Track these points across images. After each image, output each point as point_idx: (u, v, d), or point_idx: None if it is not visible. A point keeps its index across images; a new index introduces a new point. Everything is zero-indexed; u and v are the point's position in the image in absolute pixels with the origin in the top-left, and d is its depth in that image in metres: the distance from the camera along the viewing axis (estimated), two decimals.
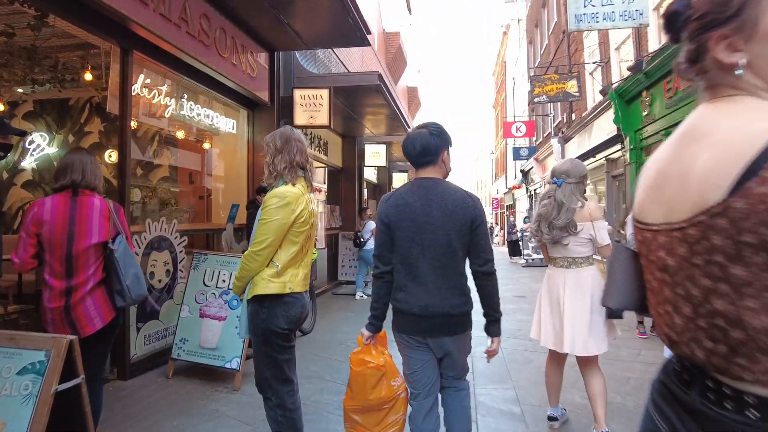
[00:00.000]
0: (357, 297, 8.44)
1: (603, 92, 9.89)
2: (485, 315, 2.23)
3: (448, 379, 2.29)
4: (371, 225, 8.45)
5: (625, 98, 9.18)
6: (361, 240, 8.40)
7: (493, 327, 2.22)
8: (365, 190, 12.91)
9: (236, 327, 4.02)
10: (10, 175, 7.27)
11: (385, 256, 2.21)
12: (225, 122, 5.89)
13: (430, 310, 2.09)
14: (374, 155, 10.69)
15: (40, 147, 7.12)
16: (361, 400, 2.37)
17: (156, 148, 6.72)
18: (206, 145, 6.33)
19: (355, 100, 7.55)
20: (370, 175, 13.19)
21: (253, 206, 5.50)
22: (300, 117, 6.32)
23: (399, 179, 15.12)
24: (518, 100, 23.92)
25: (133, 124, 4.69)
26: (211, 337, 4.09)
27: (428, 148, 2.17)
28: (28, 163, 7.15)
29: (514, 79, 25.62)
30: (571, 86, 11.47)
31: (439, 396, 2.29)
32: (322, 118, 6.29)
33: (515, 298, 8.72)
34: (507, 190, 31.27)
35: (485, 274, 2.15)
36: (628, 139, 9.28)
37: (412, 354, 2.22)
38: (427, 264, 2.09)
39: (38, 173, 7.16)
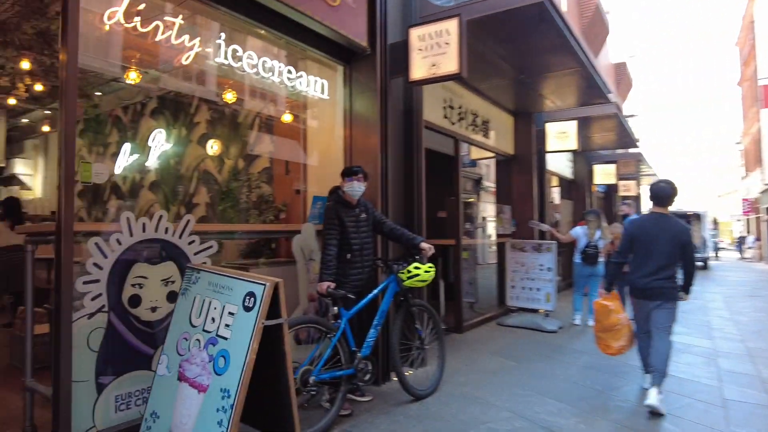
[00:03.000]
0: (575, 322, 6.70)
1: None
2: (684, 283, 3.78)
3: (656, 328, 3.72)
4: (578, 231, 6.65)
5: None
6: (595, 252, 6.41)
7: (687, 289, 3.78)
8: (552, 188, 10.01)
9: (219, 409, 2.15)
10: (140, 177, 6.93)
11: (626, 256, 3.90)
12: (314, 85, 4.18)
13: (649, 285, 3.70)
14: (560, 137, 7.88)
15: (162, 144, 6.55)
16: (601, 324, 3.96)
17: (256, 134, 5.43)
18: (297, 121, 4.72)
19: (513, 45, 5.11)
20: (559, 166, 10.20)
21: (337, 197, 3.64)
22: (418, 67, 4.24)
23: (605, 173, 11.63)
24: None
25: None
26: (185, 420, 2.29)
27: (671, 196, 3.83)
28: (152, 163, 6.65)
29: None
30: None
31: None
32: (449, 62, 4.09)
33: None
34: (766, 187, 23.32)
35: (688, 272, 3.78)
36: None
37: (638, 309, 3.90)
38: (653, 262, 3.71)
39: (160, 173, 6.62)
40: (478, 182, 10.00)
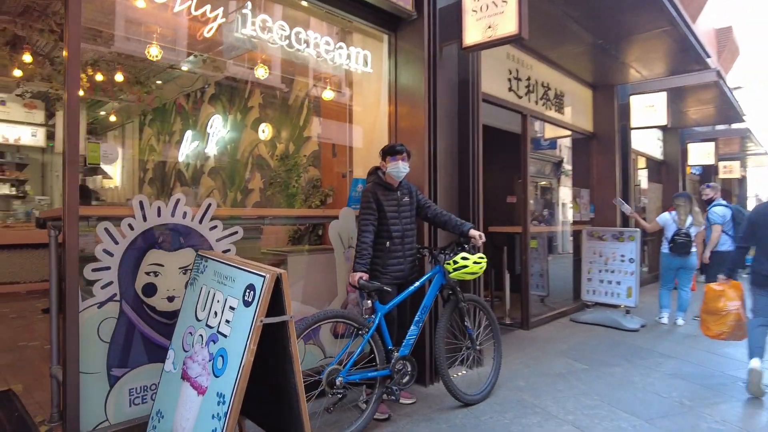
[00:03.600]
0: (662, 320, 5.83)
1: None
2: None
3: None
4: (665, 218, 5.81)
5: None
6: (687, 240, 5.57)
7: None
8: (638, 170, 8.97)
9: (215, 415, 1.90)
10: (200, 163, 7.01)
11: (749, 242, 3.80)
12: (359, 58, 3.84)
13: None
14: (647, 110, 6.92)
15: (219, 130, 6.56)
16: (707, 306, 3.95)
17: (305, 116, 5.21)
18: (342, 99, 4.40)
19: (588, 3, 4.41)
20: (646, 145, 9.10)
21: (377, 178, 3.29)
22: (472, 31, 3.74)
23: (702, 153, 10.24)
24: None
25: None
26: (185, 424, 2.07)
27: None
28: (211, 149, 6.69)
29: None
30: None
31: None
32: (507, 22, 3.55)
33: None
34: None
35: None
36: None
37: (758, 297, 3.67)
38: None
39: (218, 159, 6.63)
40: (558, 165, 9.22)
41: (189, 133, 7.24)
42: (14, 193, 8.80)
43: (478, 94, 4.16)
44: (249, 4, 3.16)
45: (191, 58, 5.42)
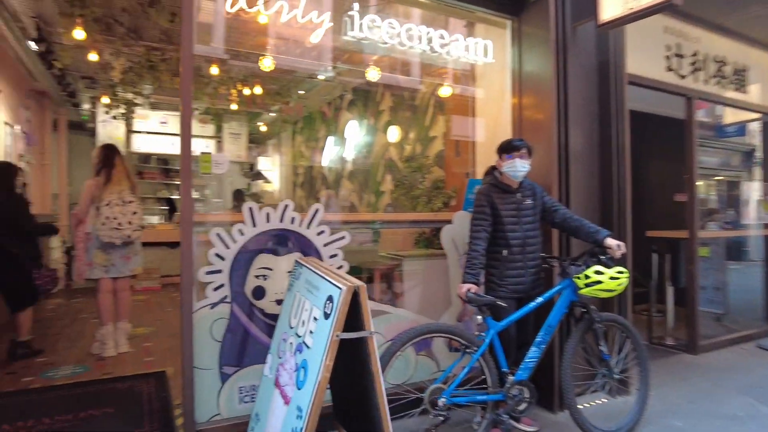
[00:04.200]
0: None
1: None
2: None
3: None
4: None
5: None
6: None
7: None
8: None
9: (294, 429, 1.87)
10: (341, 167, 7.31)
11: None
12: (480, 49, 3.56)
13: None
14: None
15: (355, 134, 6.77)
16: None
17: (431, 115, 5.07)
18: (465, 94, 4.13)
19: None
20: None
21: (493, 179, 3.01)
22: (610, 4, 3.18)
23: None
24: None
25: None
26: None
27: None
28: (349, 153, 6.95)
29: None
30: None
31: None
32: None
33: None
34: None
35: None
36: None
37: None
38: None
39: (355, 162, 6.85)
40: (749, 155, 7.59)
41: (331, 139, 7.63)
42: (197, 197, 10.32)
43: (622, 77, 3.53)
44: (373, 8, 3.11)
45: (329, 67, 5.66)
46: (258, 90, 6.24)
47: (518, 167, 2.85)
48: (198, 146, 9.53)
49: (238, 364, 2.65)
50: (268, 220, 2.71)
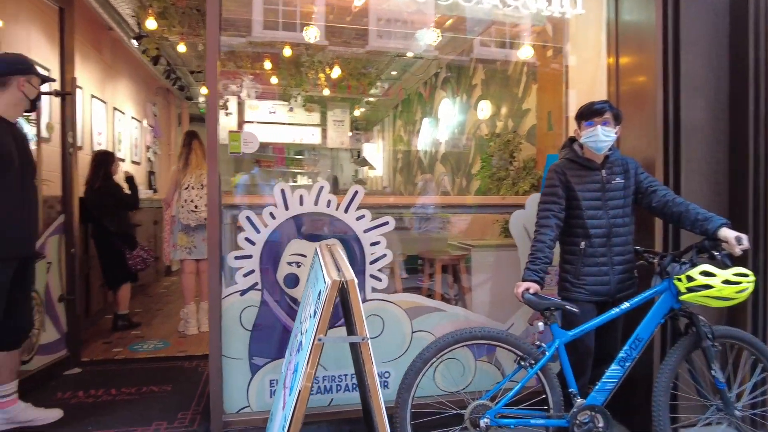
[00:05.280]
0: None
1: None
2: None
3: None
4: None
5: None
6: None
7: None
8: None
9: None
10: (434, 150, 6.94)
11: None
12: None
13: None
14: None
15: (447, 114, 6.34)
16: None
17: (524, 83, 4.50)
18: (556, 58, 3.50)
19: None
20: None
21: (570, 153, 2.47)
22: None
23: None
24: None
25: None
26: None
27: None
28: (442, 135, 6.55)
29: None
30: None
31: None
32: None
33: None
34: None
35: None
36: None
37: None
38: None
39: (448, 144, 6.43)
40: None
41: (426, 121, 7.28)
42: (309, 183, 10.70)
43: (761, 24, 2.65)
44: None
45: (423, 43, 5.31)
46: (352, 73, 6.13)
47: (600, 136, 2.26)
48: (304, 135, 9.86)
49: (269, 355, 2.49)
50: (301, 203, 2.50)
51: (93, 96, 5.21)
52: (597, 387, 2.20)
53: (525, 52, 3.77)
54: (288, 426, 1.53)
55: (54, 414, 2.59)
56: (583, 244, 2.34)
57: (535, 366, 2.12)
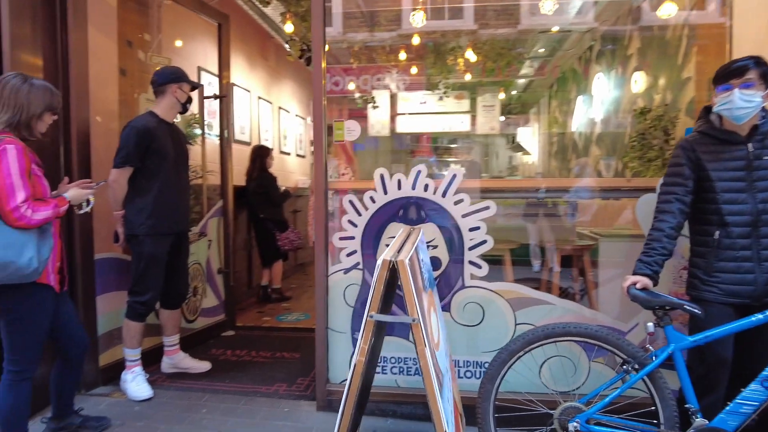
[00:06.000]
0: None
1: None
2: None
3: None
4: None
5: None
6: None
7: None
8: None
9: None
10: (589, 130, 6.32)
11: None
12: None
13: None
14: None
15: (602, 90, 5.73)
16: None
17: (685, 46, 3.87)
18: (720, 14, 2.90)
19: None
20: None
21: (705, 124, 2.12)
22: None
23: None
24: None
25: None
26: None
27: None
28: (597, 114, 5.96)
29: None
30: None
31: None
32: None
33: None
34: None
35: None
36: None
37: None
38: None
39: (603, 123, 5.81)
40: None
41: (580, 99, 6.66)
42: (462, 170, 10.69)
43: None
44: None
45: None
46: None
47: (737, 102, 1.84)
48: (454, 123, 9.86)
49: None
50: (399, 188, 2.56)
51: (260, 97, 5.99)
52: (729, 408, 1.82)
53: (693, 16, 3.19)
54: (345, 399, 1.62)
55: (204, 365, 3.12)
56: (717, 234, 1.94)
57: (639, 372, 1.85)
